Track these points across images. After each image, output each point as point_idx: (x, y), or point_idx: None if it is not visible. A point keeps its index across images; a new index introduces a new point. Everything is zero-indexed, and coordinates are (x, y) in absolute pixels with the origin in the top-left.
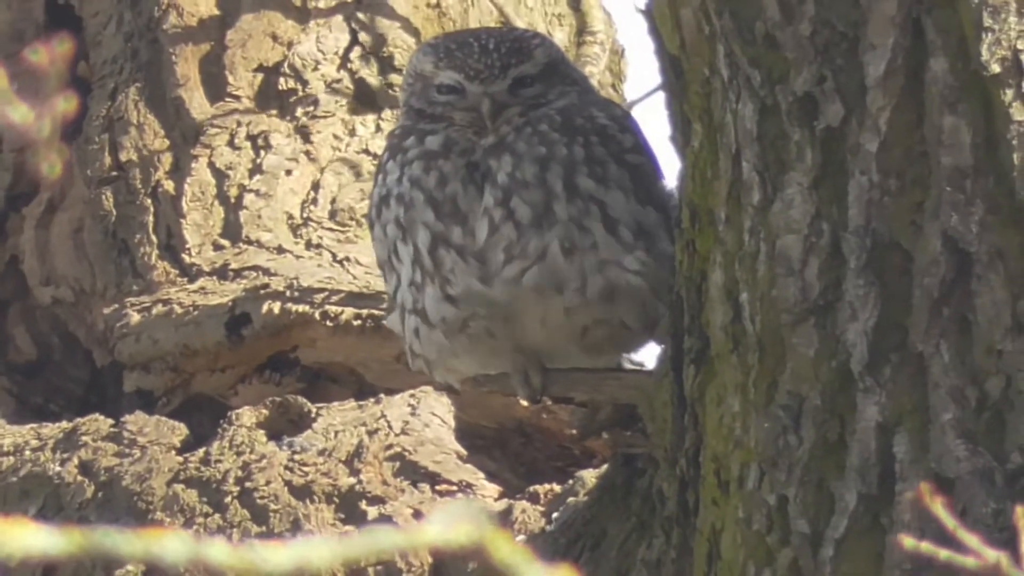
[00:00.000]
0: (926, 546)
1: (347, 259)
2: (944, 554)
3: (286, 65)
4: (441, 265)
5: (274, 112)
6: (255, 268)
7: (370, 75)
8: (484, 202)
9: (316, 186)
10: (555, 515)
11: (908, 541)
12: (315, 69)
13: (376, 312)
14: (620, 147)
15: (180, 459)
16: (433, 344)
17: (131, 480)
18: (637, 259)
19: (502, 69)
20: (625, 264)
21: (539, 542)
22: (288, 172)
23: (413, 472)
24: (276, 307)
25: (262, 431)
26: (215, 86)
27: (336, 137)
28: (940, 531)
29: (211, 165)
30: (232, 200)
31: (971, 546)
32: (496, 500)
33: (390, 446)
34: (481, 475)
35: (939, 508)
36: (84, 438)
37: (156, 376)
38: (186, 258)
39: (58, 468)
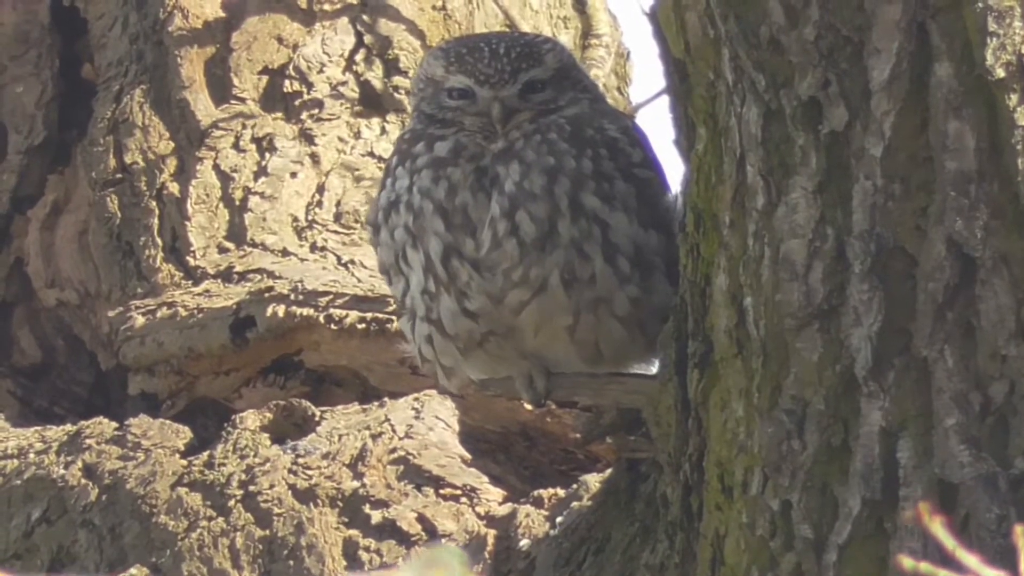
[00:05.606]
0: (925, 566)
1: (352, 262)
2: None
3: (291, 67)
4: (456, 277)
5: (279, 115)
6: (260, 271)
7: (375, 77)
8: (491, 211)
9: (321, 189)
10: (559, 519)
11: (907, 562)
12: (320, 71)
13: (380, 316)
14: (629, 161)
15: (184, 462)
16: (449, 354)
17: (135, 483)
18: (630, 294)
19: (512, 73)
20: (617, 302)
21: (543, 546)
22: (293, 175)
23: (417, 476)
24: (280, 310)
25: (266, 435)
26: (220, 88)
27: (341, 140)
28: (941, 548)
29: (216, 168)
30: (237, 203)
31: (971, 566)
32: (500, 504)
33: (394, 450)
34: (485, 479)
35: (938, 528)
36: (88, 441)
37: (160, 379)
38: (191, 261)
39: (62, 471)
